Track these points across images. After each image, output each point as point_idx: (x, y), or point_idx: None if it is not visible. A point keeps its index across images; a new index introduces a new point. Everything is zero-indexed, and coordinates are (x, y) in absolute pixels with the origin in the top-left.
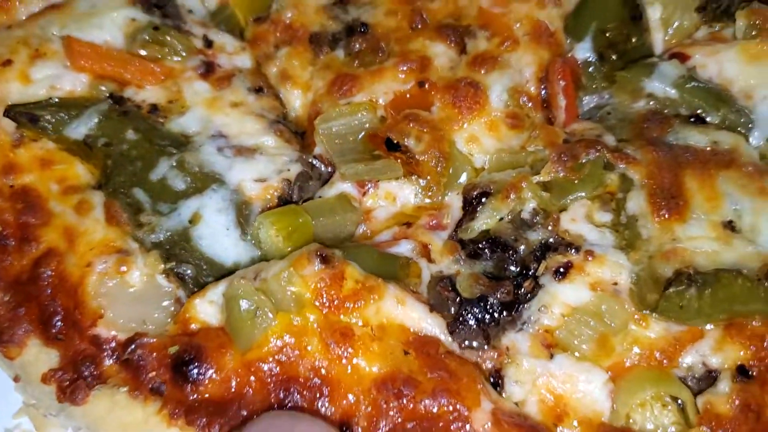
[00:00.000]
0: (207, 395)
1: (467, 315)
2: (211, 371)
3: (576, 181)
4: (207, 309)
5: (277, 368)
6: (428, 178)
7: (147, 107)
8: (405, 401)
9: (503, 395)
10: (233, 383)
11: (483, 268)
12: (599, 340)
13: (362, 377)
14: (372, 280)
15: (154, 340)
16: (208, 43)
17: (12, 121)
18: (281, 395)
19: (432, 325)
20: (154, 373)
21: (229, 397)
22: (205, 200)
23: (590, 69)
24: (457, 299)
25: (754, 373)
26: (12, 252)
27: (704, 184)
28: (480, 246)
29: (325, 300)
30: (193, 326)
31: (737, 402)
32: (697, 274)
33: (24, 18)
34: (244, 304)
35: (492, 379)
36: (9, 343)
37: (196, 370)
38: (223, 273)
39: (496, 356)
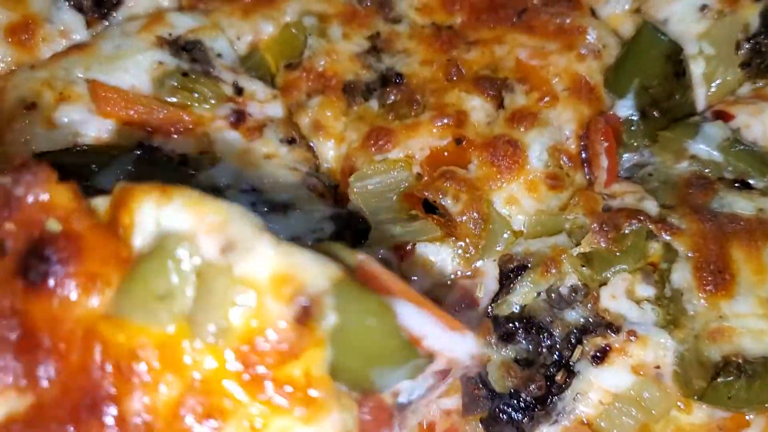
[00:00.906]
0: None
1: (500, 413)
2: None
3: (618, 253)
4: None
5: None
6: (466, 240)
7: (177, 158)
8: None
9: None
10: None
11: (515, 352)
12: (640, 429)
13: None
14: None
15: None
16: (239, 90)
17: None
18: None
19: None
20: None
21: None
22: None
23: (632, 127)
24: (488, 396)
25: None
26: None
27: (751, 255)
28: (514, 326)
29: (249, 367)
30: None
31: None
32: (747, 363)
33: (47, 57)
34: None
35: None
36: None
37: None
38: None
39: None
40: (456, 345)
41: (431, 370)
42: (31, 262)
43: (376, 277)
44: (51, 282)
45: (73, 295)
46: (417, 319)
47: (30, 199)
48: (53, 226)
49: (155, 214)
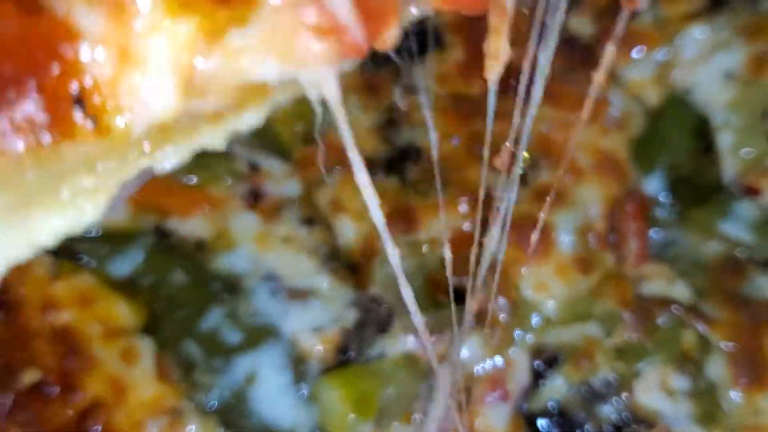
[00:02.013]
0: None
1: None
2: None
3: (650, 345)
4: None
5: None
6: (495, 328)
7: (193, 243)
8: None
9: None
10: None
11: None
12: None
13: None
14: None
15: None
16: (254, 168)
17: (53, 255)
18: None
19: None
20: None
21: None
22: (260, 356)
23: (660, 204)
24: None
25: None
26: (55, 401)
27: None
28: (549, 423)
29: None
30: None
31: None
32: None
33: None
34: None
35: None
36: None
37: None
38: None
39: None
40: None
41: None
42: None
43: None
44: None
45: None
46: None
47: None
48: None
49: None
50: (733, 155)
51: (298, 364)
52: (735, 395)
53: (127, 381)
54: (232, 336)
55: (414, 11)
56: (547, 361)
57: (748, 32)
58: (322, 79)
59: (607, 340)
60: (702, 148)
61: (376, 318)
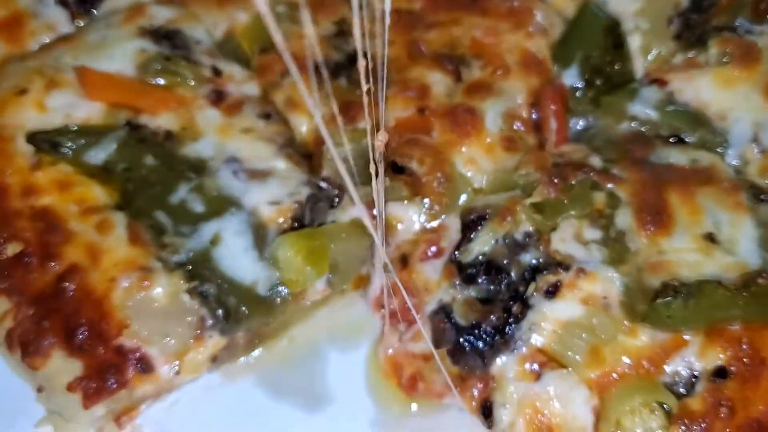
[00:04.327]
0: None
1: (464, 342)
2: None
3: (566, 202)
4: None
5: None
6: (431, 198)
7: (163, 134)
8: None
9: (493, 420)
10: None
11: (477, 292)
12: (591, 351)
13: None
14: None
15: None
16: (217, 72)
17: (33, 146)
18: None
19: None
20: None
21: None
22: (224, 223)
23: (577, 94)
24: (453, 329)
25: (733, 373)
26: (35, 269)
27: (686, 199)
28: (475, 269)
29: None
30: None
31: (710, 400)
32: (682, 285)
33: (36, 49)
34: None
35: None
36: (34, 354)
37: None
38: (242, 291)
39: (483, 385)
40: None
41: None
42: None
43: None
44: None
45: None
46: None
47: None
48: None
49: None
50: (642, 55)
51: (258, 230)
52: (641, 240)
53: (102, 247)
54: (199, 206)
55: None
56: (475, 220)
57: None
58: None
59: (528, 200)
60: (613, 44)
61: (327, 195)
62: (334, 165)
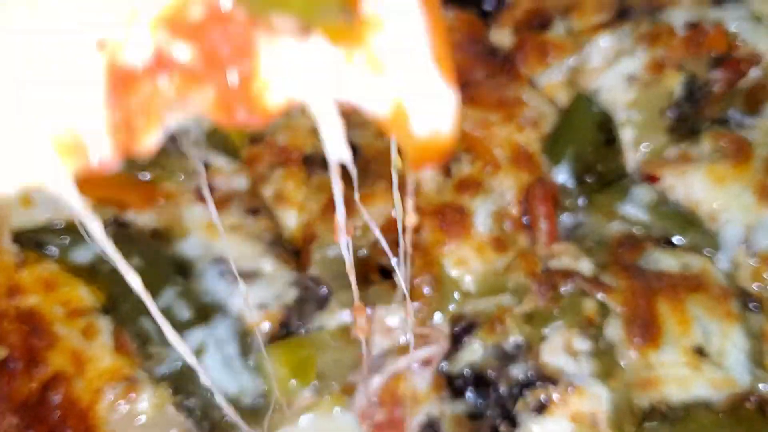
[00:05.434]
0: None
1: None
2: None
3: (555, 312)
4: None
5: None
6: (420, 302)
7: (149, 233)
8: None
9: None
10: None
11: (466, 408)
12: None
13: None
14: None
15: None
16: (205, 165)
17: (19, 245)
18: None
19: None
20: None
21: None
22: (210, 330)
23: (568, 191)
24: None
25: None
26: (19, 375)
27: (676, 309)
28: (464, 382)
29: None
30: None
31: None
32: (670, 410)
33: None
34: None
35: None
36: None
37: None
38: (228, 402)
39: None
40: None
41: None
42: None
43: None
44: None
45: None
46: None
47: None
48: None
49: None
50: (634, 148)
51: (243, 338)
52: (630, 353)
53: (88, 354)
54: (184, 312)
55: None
56: (465, 327)
57: (648, 40)
58: None
59: (517, 307)
60: (605, 141)
61: (314, 296)
62: (323, 263)
